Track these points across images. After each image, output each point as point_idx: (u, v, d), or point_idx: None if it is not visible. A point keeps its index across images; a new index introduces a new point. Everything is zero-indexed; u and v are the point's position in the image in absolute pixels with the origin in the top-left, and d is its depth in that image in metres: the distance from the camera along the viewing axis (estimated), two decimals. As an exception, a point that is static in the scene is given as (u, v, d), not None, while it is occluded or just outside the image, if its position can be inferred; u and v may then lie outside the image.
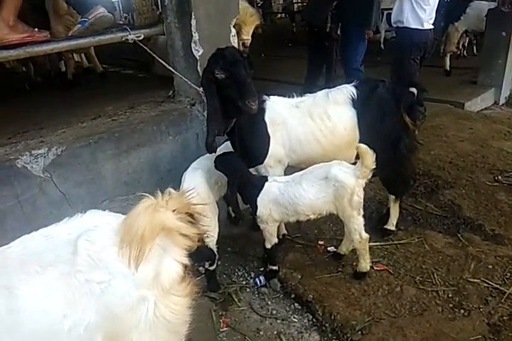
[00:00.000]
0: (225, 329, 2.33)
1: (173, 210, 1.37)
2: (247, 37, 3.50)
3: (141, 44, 2.59)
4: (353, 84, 2.45)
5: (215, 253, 2.55)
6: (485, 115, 5.22)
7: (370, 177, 2.27)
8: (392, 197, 2.76)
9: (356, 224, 2.35)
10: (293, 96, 2.51)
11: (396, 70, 4.03)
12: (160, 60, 2.72)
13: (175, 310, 1.40)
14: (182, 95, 2.89)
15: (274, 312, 2.45)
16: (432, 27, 3.86)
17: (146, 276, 1.31)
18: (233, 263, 2.86)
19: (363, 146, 2.15)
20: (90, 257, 1.28)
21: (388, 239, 2.87)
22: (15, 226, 2.22)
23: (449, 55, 6.33)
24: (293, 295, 2.52)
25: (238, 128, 2.29)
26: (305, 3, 12.75)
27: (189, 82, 2.63)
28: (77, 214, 1.44)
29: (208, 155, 2.61)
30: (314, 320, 2.33)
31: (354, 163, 2.32)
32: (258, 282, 2.63)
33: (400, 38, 3.98)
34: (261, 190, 2.37)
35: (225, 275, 2.76)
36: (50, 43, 2.35)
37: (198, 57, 2.64)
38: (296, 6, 14.86)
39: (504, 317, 2.20)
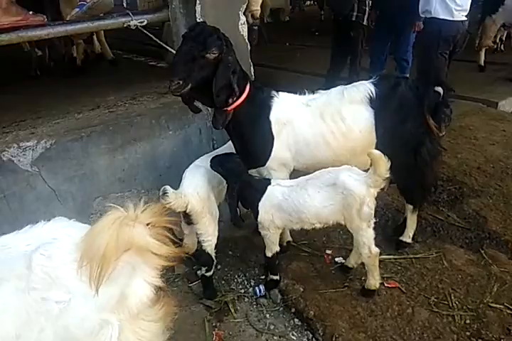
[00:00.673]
0: (217, 343, 2.16)
1: (147, 224, 1.19)
2: (256, 7, 3.28)
3: (144, 30, 2.40)
4: (371, 80, 2.19)
5: (213, 258, 2.38)
6: (520, 116, 4.82)
7: (383, 186, 2.03)
8: (410, 206, 2.51)
9: (365, 237, 2.13)
10: (305, 93, 2.26)
11: (421, 65, 3.71)
12: (168, 47, 2.52)
13: (144, 337, 1.24)
14: (185, 86, 2.69)
15: (272, 327, 2.26)
16: (465, 19, 3.51)
17: (110, 298, 1.14)
18: (233, 268, 2.68)
19: (376, 152, 1.91)
20: (46, 274, 1.14)
21: (403, 252, 2.63)
22: (1, 221, 2.10)
23: (484, 50, 5.88)
24: (293, 310, 2.32)
25: (237, 125, 2.08)
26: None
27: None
28: (41, 222, 1.28)
29: (211, 153, 2.43)
30: (314, 340, 2.14)
31: (368, 170, 2.08)
32: (258, 291, 2.45)
33: (427, 30, 3.65)
34: (263, 194, 2.18)
35: (223, 282, 2.59)
36: (45, 28, 2.19)
37: (203, 46, 2.41)
38: (325, -8, 14.35)
39: (529, 352, 1.96)
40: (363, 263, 2.38)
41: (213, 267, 2.40)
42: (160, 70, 3.78)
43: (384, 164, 1.93)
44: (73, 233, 1.22)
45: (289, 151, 2.20)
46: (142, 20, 2.33)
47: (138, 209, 1.20)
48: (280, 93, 2.18)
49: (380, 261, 2.54)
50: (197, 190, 2.18)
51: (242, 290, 2.51)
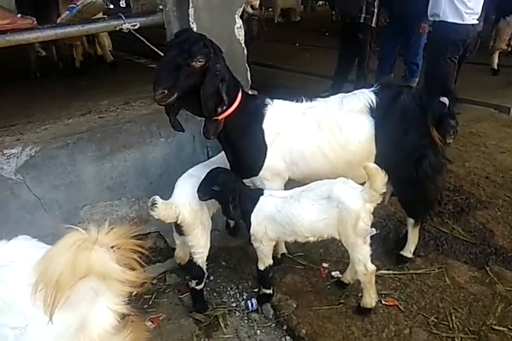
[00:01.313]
0: (204, 360, 2.08)
1: (112, 247, 1.10)
2: (255, -1, 3.18)
3: (137, 34, 2.31)
4: (372, 89, 2.07)
5: (204, 271, 2.29)
6: (534, 123, 4.64)
7: (379, 201, 1.92)
8: (412, 220, 2.39)
9: (361, 253, 2.02)
10: (302, 101, 2.15)
11: (428, 70, 3.56)
12: (158, 51, 2.43)
13: None
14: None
15: (262, 344, 2.17)
16: (476, 22, 3.35)
17: (69, 326, 1.07)
18: (226, 280, 2.59)
19: (373, 166, 1.79)
20: (1, 299, 1.07)
21: (403, 267, 2.51)
22: (-17, 230, 2.04)
23: (497, 53, 5.70)
24: (285, 327, 2.22)
25: (229, 135, 1.99)
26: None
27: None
28: (2, 241, 1.21)
29: (207, 162, 2.35)
30: (304, 360, 2.04)
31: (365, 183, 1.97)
32: (250, 305, 2.35)
33: (435, 33, 3.49)
34: (255, 204, 2.08)
35: (215, 294, 2.49)
36: (34, 31, 2.12)
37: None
38: (337, -8, 14.16)
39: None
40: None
41: (204, 280, 2.31)
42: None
43: (381, 178, 1.82)
44: (33, 255, 1.14)
45: (283, 161, 2.10)
46: (135, 23, 2.25)
47: (101, 231, 1.11)
48: (275, 101, 2.08)
49: (379, 277, 2.44)
50: (189, 200, 2.09)
51: (234, 304, 2.41)
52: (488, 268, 2.45)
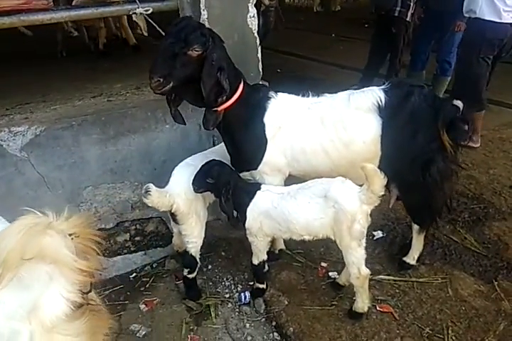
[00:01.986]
0: (190, 347, 2.09)
1: (70, 234, 1.09)
2: (272, -12, 3.07)
3: (149, 19, 2.30)
4: (382, 87, 1.97)
5: (197, 260, 2.29)
6: None
7: (377, 204, 1.84)
8: (416, 227, 2.28)
9: (355, 256, 1.95)
10: (308, 95, 2.08)
11: (460, 69, 3.36)
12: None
13: None
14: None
15: (249, 338, 2.14)
16: None
17: (21, 307, 1.05)
18: (223, 270, 2.58)
19: (370, 167, 1.71)
20: None
21: (405, 273, 2.41)
22: (-12, 204, 2.11)
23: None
24: (274, 323, 2.19)
25: (228, 127, 1.95)
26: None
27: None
28: None
29: (206, 151, 2.32)
30: (288, 359, 2.01)
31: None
32: (243, 298, 2.34)
33: (470, 31, 3.28)
34: (251, 198, 2.05)
35: (211, 283, 2.49)
36: (48, 12, 2.14)
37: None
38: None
39: None
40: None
41: (196, 269, 2.30)
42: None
43: (379, 180, 1.74)
44: None
45: (283, 157, 2.04)
46: (148, 8, 2.22)
47: (60, 217, 1.10)
48: (279, 94, 2.01)
49: (378, 282, 2.37)
50: (184, 189, 2.07)
51: (227, 295, 2.40)
52: (496, 283, 2.32)
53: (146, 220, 2.66)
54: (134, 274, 2.61)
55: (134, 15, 2.29)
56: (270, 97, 1.97)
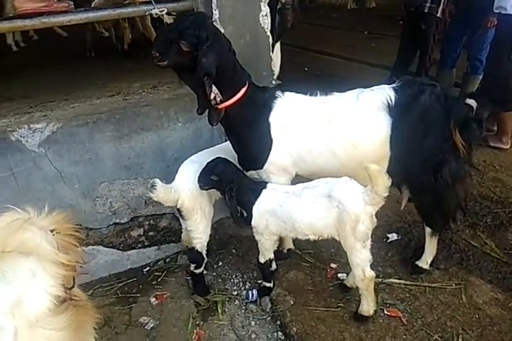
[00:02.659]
0: (195, 342, 2.12)
1: (52, 230, 1.14)
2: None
3: (165, 19, 2.35)
4: (392, 85, 1.92)
5: (203, 256, 2.32)
6: None
7: (381, 205, 1.79)
8: (429, 230, 2.21)
9: (359, 258, 1.91)
10: (316, 94, 2.05)
11: (489, 68, 3.20)
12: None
13: None
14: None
15: (254, 336, 2.16)
16: None
17: (4, 302, 1.10)
18: (233, 267, 2.61)
19: (374, 168, 1.67)
20: None
21: (417, 278, 2.34)
22: (9, 196, 2.22)
23: None
24: (279, 322, 2.19)
25: (232, 125, 1.96)
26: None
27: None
28: None
29: (212, 148, 2.34)
30: (290, 359, 2.00)
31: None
32: (250, 296, 2.36)
33: (500, 28, 3.12)
34: (257, 197, 2.05)
35: (220, 280, 2.53)
36: (67, 14, 2.22)
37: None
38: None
39: None
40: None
41: (203, 265, 2.33)
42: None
43: (383, 181, 1.69)
44: None
45: (289, 156, 2.02)
46: (162, 9, 2.27)
47: (40, 214, 1.15)
48: (286, 94, 1.99)
49: (388, 285, 2.32)
50: (189, 185, 2.10)
51: (235, 292, 2.42)
52: (514, 292, 2.21)
53: (160, 216, 2.72)
54: (148, 268, 2.68)
55: (162, 16, 2.34)
56: (277, 97, 1.96)
